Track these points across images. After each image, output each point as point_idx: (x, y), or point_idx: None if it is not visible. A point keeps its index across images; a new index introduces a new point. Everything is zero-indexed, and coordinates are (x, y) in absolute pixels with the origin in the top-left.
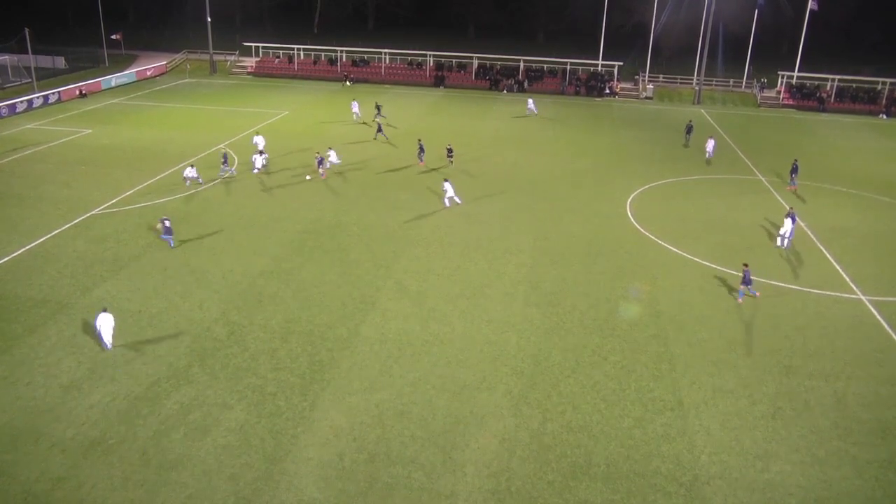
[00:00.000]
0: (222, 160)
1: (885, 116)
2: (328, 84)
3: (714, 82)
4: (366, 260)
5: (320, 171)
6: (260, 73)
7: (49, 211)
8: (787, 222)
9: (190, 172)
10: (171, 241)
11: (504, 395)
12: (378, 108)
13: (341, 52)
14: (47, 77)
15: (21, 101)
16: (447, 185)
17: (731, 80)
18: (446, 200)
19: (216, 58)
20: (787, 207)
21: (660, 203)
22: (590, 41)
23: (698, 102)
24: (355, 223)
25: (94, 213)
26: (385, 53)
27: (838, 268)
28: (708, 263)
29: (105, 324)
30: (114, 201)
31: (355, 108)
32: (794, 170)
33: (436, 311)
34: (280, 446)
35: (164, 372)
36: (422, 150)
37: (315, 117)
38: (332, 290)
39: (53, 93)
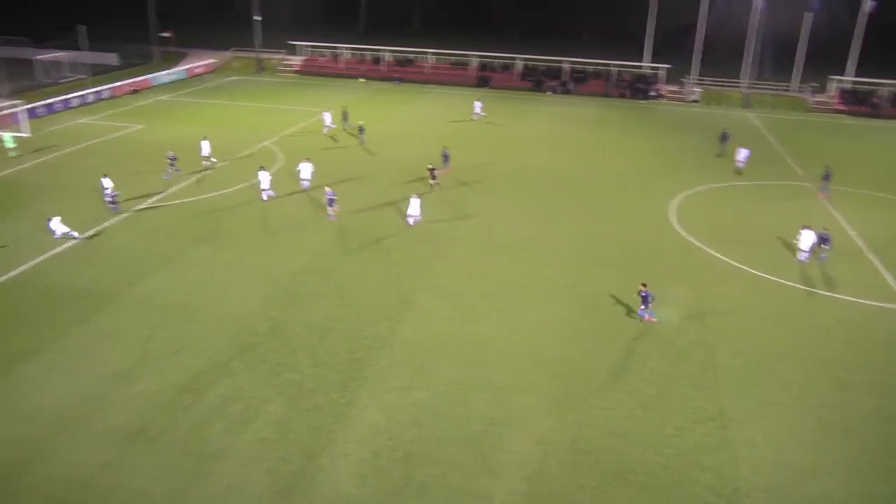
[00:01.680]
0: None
1: None
2: (374, 83)
3: (763, 86)
4: (406, 259)
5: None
6: (306, 71)
7: (100, 204)
8: (807, 235)
9: (265, 182)
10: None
11: (541, 397)
12: (345, 115)
13: (386, 51)
14: (101, 73)
15: (75, 97)
16: (414, 202)
17: (782, 84)
18: (409, 219)
19: (263, 56)
20: (823, 229)
21: (705, 208)
22: (635, 43)
23: (747, 107)
24: (396, 222)
25: (141, 207)
26: (430, 53)
27: (889, 279)
28: (755, 271)
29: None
30: (161, 195)
31: (327, 119)
32: (827, 177)
33: (475, 311)
34: (317, 442)
35: (206, 365)
36: (446, 158)
37: (356, 115)
38: (372, 288)
39: (106, 89)
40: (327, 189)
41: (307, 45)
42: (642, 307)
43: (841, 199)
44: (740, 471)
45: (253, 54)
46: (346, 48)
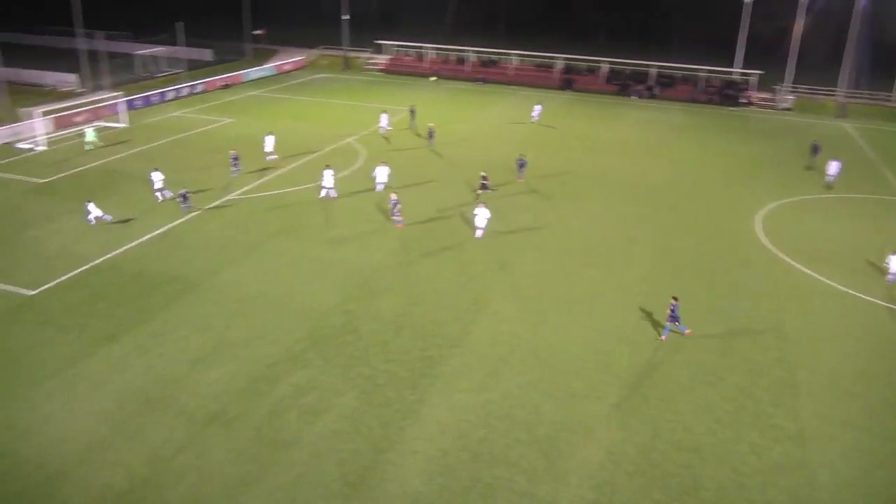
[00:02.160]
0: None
1: None
2: (456, 83)
3: (861, 94)
4: (482, 260)
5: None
6: (392, 70)
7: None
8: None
9: (329, 180)
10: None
11: (613, 406)
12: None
13: (470, 51)
14: (196, 68)
15: (170, 90)
16: (482, 212)
17: (882, 93)
18: (477, 231)
19: (350, 55)
20: None
21: (793, 221)
22: (727, 48)
23: (843, 115)
24: (463, 229)
25: (236, 196)
26: (514, 54)
27: None
28: (843, 287)
29: None
30: (247, 188)
31: (383, 121)
32: None
33: (549, 316)
34: (387, 437)
35: (282, 354)
36: (522, 165)
37: (436, 114)
38: (446, 287)
39: (200, 83)
40: (392, 196)
41: (393, 45)
42: (669, 322)
43: None
44: (817, 494)
45: (340, 52)
46: (431, 48)
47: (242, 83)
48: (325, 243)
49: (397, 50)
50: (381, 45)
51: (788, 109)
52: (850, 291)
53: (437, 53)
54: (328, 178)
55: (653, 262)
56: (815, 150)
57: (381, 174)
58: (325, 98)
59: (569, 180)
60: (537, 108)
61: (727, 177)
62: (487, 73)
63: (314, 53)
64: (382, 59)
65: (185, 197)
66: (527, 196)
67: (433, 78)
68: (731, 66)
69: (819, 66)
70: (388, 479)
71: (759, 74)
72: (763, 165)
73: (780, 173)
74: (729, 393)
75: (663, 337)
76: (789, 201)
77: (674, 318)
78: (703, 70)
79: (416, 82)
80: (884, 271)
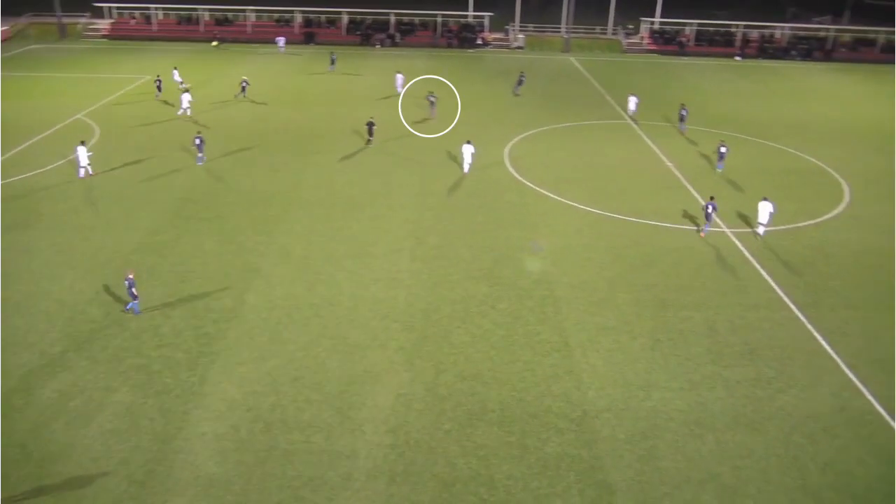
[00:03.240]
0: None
1: (739, 58)
2: (192, 45)
3: (581, 30)
4: (246, 226)
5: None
6: (116, 36)
7: None
8: (764, 206)
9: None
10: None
11: (396, 350)
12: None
13: (203, 10)
14: None
15: None
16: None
17: (598, 28)
18: (465, 166)
19: (65, 21)
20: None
21: (536, 151)
22: None
23: (567, 50)
24: (233, 189)
25: None
26: (249, 10)
27: (704, 203)
28: (585, 207)
29: None
30: None
31: (176, 76)
32: (682, 118)
33: (322, 273)
34: (171, 424)
35: (37, 360)
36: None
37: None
38: (213, 259)
39: None
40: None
41: (115, 7)
42: (707, 224)
43: (656, 132)
44: (586, 394)
45: (53, 19)
46: (159, 8)
47: None
48: (72, 230)
49: (119, 13)
50: (100, 7)
51: (521, 48)
52: (591, 209)
53: (167, 14)
54: (83, 154)
55: (415, 205)
56: (519, 82)
57: (83, 156)
58: (44, 72)
59: (326, 133)
60: (282, 43)
61: (474, 115)
62: (223, 33)
63: (21, 22)
64: (105, 24)
65: None
66: (279, 155)
67: (214, 43)
68: (466, 10)
69: (543, 6)
70: (178, 468)
71: (490, 16)
72: (504, 101)
73: (520, 108)
74: (500, 319)
75: (702, 234)
76: (532, 132)
77: (708, 217)
78: (439, 15)
79: (147, 47)
80: (620, 183)
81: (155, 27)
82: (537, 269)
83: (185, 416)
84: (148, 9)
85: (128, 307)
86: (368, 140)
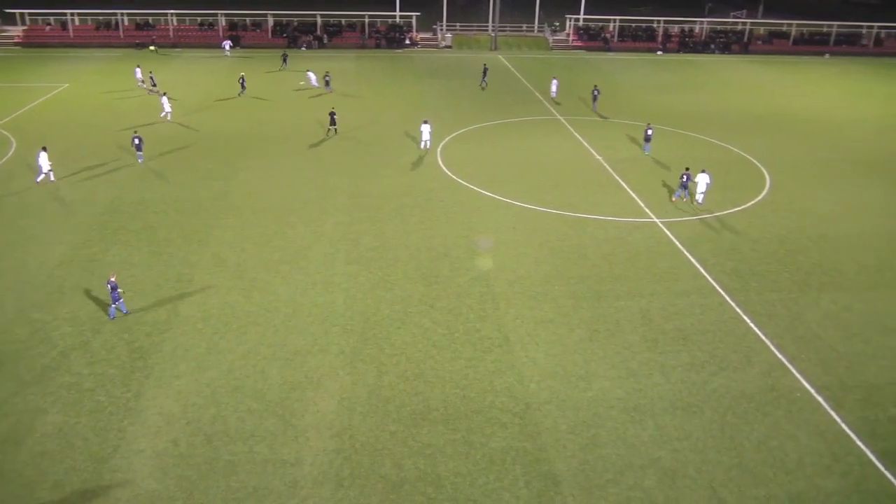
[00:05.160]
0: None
1: (661, 52)
2: (113, 51)
3: (508, 28)
4: (176, 236)
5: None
6: (30, 43)
7: None
8: (703, 178)
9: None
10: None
11: (337, 354)
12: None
13: (122, 14)
14: None
15: None
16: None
17: (524, 26)
18: (423, 144)
19: None
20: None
21: (468, 149)
22: None
23: (495, 49)
24: (160, 199)
25: None
26: (171, 14)
27: (633, 195)
28: (518, 203)
29: None
30: None
31: (138, 74)
32: (595, 97)
33: (257, 280)
34: (107, 443)
35: None
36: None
37: (102, 87)
38: (143, 272)
39: None
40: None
41: (28, 13)
42: (680, 189)
43: (584, 126)
44: (528, 388)
45: None
46: (76, 13)
47: None
48: None
49: (33, 19)
50: (12, 14)
51: (449, 47)
52: (524, 204)
53: (81, 20)
54: (44, 161)
55: (349, 207)
56: (484, 73)
57: (43, 161)
58: None
59: (249, 140)
60: (138, 71)
61: (405, 115)
62: (145, 37)
63: None
64: (17, 30)
65: None
66: (205, 162)
67: (152, 47)
68: (393, 11)
69: (469, 5)
70: (117, 488)
71: (417, 16)
72: (435, 100)
73: (450, 107)
74: (440, 317)
75: (674, 198)
76: (463, 131)
77: (684, 185)
78: (367, 16)
79: (65, 55)
80: (552, 178)
81: (71, 34)
82: (483, 266)
83: (121, 434)
84: (64, 14)
85: (112, 309)
86: (330, 129)
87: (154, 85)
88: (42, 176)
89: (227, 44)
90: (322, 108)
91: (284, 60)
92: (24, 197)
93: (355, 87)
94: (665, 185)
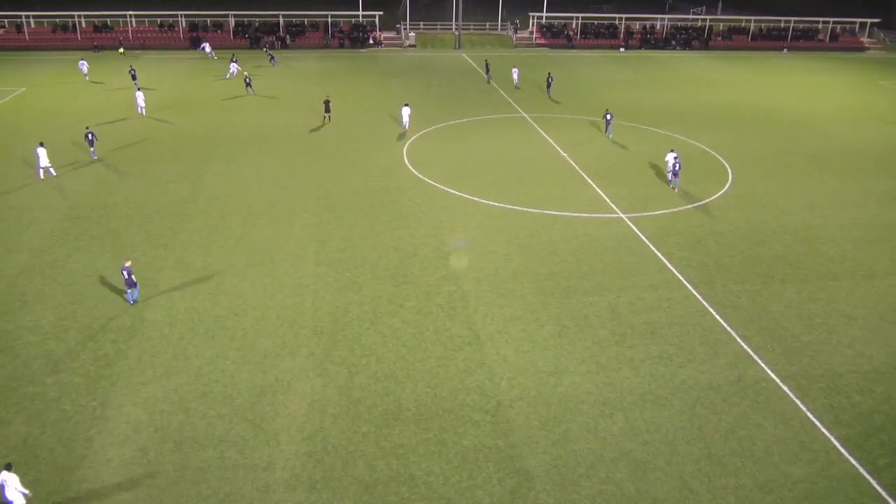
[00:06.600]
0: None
1: (623, 49)
2: (72, 54)
3: (472, 27)
4: (141, 241)
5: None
6: None
7: None
8: (671, 157)
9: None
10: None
11: (307, 357)
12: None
13: (79, 17)
14: None
15: None
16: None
17: (488, 24)
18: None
19: None
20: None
21: (434, 148)
22: None
23: (459, 47)
24: (123, 203)
25: None
26: (130, 16)
27: (599, 191)
28: (485, 201)
29: None
30: None
31: (83, 67)
32: (549, 84)
33: (225, 283)
34: (73, 453)
35: None
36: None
37: (60, 91)
38: (105, 278)
39: None
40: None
41: None
42: (671, 177)
43: (548, 123)
44: (499, 385)
45: None
46: (31, 16)
47: None
48: None
49: None
50: None
51: (412, 46)
52: (491, 203)
53: (39, 22)
54: (43, 156)
55: (316, 209)
56: (487, 68)
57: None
58: None
59: (213, 143)
60: (83, 64)
61: (370, 116)
62: (103, 40)
63: None
64: None
65: None
66: (169, 165)
67: (121, 50)
68: (356, 10)
69: (432, 4)
70: (85, 498)
71: (380, 15)
72: (400, 100)
73: (415, 106)
74: (409, 317)
75: (675, 190)
76: (429, 130)
77: (674, 173)
78: (329, 15)
79: (21, 58)
80: (518, 177)
81: (27, 37)
82: (452, 264)
83: (88, 444)
84: (18, 17)
85: (129, 294)
86: (325, 117)
87: (134, 79)
88: (41, 171)
89: (206, 45)
90: (259, 111)
91: (272, 58)
92: None
93: (323, 89)
94: (629, 178)
